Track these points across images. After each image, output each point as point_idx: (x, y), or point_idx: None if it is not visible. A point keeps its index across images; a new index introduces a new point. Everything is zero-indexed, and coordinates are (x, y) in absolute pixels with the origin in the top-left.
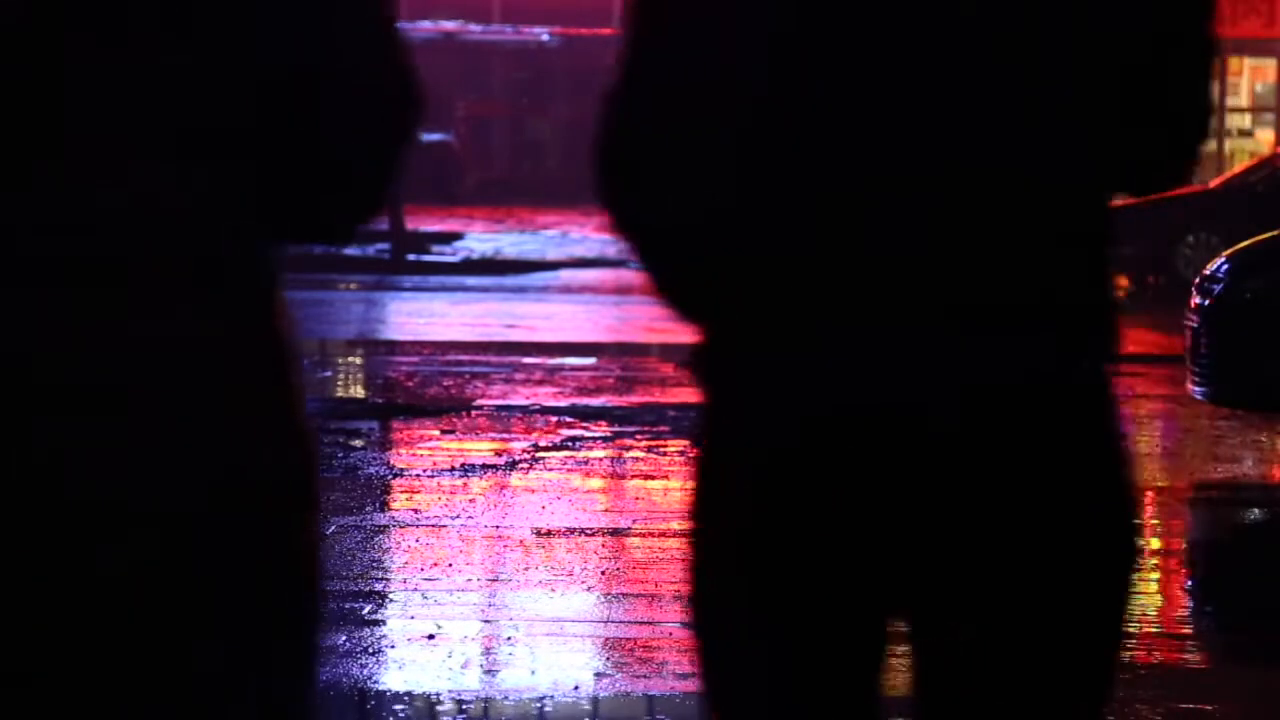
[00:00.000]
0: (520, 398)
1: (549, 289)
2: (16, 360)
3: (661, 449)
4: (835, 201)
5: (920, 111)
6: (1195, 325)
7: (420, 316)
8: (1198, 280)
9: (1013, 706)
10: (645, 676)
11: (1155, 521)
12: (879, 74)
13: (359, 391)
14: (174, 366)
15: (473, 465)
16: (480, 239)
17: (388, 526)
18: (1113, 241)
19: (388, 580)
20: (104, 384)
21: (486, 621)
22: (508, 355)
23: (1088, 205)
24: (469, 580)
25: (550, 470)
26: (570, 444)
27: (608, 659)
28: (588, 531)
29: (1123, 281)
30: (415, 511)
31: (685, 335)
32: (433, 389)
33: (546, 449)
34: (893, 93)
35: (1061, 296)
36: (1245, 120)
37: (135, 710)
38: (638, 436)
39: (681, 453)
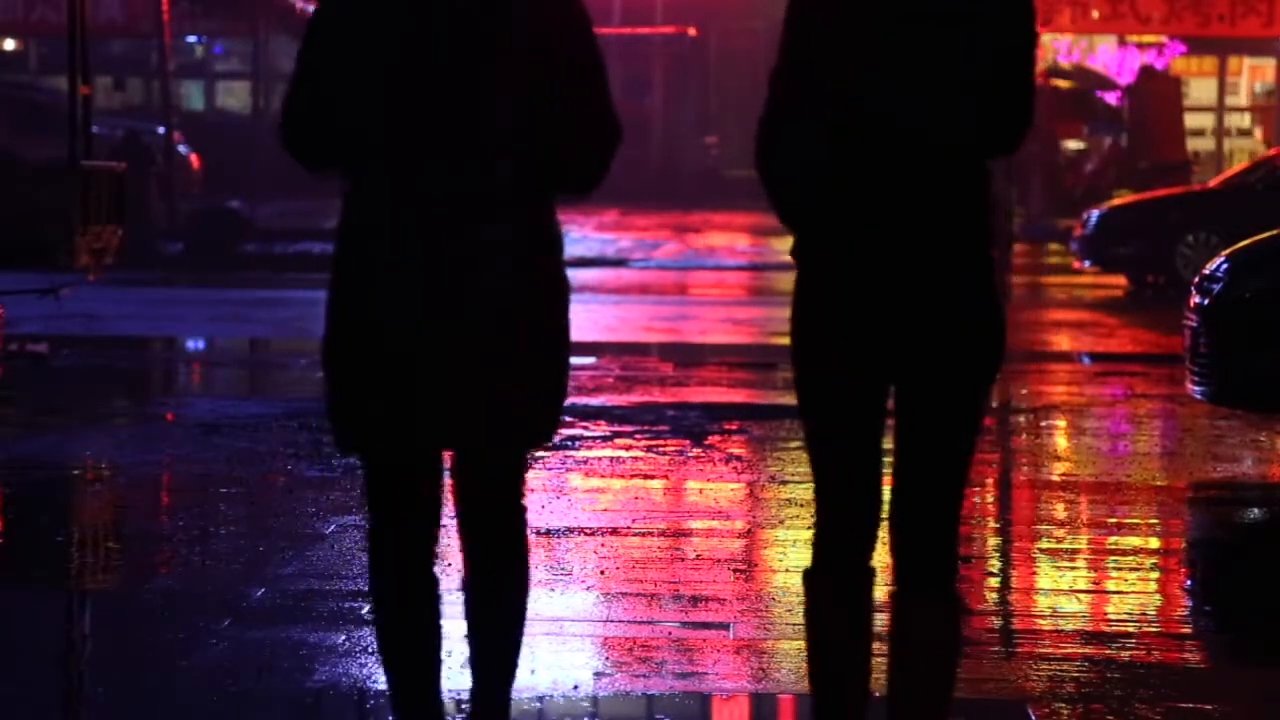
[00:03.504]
0: None
1: None
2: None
3: (661, 449)
4: (854, 170)
5: (896, 113)
6: (1194, 325)
7: None
8: (1197, 280)
9: (946, 435)
10: (645, 676)
11: (1155, 521)
12: (882, 87)
13: None
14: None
15: None
16: None
17: None
18: (986, 180)
19: None
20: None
21: None
22: None
23: (971, 162)
24: None
25: (549, 470)
26: (569, 443)
27: (607, 658)
28: (587, 531)
29: (1122, 281)
30: None
31: (683, 336)
32: None
33: (545, 448)
34: (886, 99)
35: (960, 215)
36: (1245, 120)
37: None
38: (637, 436)
39: (681, 452)
